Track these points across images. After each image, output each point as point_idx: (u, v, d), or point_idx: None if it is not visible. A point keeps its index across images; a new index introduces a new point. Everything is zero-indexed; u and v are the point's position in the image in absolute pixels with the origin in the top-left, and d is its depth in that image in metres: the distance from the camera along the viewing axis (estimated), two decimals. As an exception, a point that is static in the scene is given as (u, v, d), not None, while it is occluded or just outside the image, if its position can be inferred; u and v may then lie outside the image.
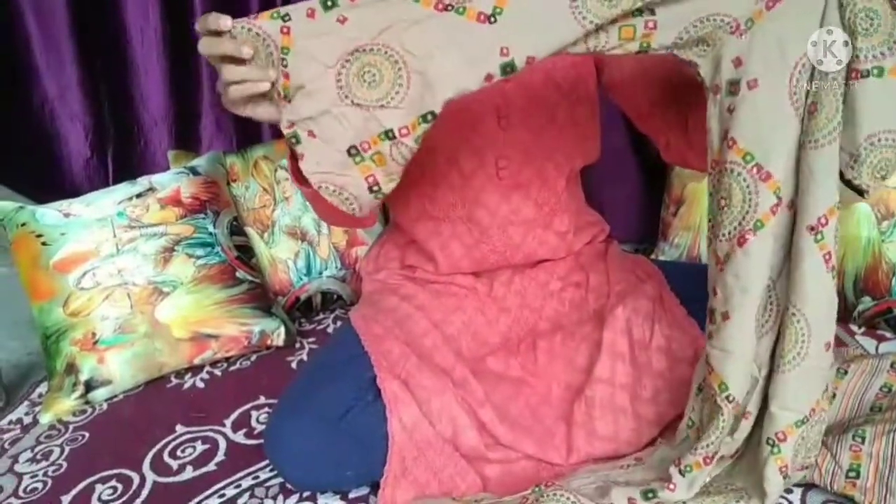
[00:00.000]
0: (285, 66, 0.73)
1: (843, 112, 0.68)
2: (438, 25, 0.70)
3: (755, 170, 0.71)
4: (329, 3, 0.71)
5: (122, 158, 1.60)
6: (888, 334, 1.19)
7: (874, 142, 0.67)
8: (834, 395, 0.98)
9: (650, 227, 1.54)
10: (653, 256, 1.45)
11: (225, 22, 0.71)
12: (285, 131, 0.76)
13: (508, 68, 0.70)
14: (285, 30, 0.72)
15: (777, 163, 0.71)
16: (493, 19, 0.69)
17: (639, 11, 0.69)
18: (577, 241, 1.09)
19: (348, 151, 0.76)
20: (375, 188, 0.78)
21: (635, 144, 1.55)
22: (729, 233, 0.74)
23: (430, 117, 0.73)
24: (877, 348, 1.15)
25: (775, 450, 0.76)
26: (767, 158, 0.71)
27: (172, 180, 1.35)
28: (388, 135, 0.74)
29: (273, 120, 0.77)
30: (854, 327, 1.21)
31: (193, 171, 1.38)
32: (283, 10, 0.72)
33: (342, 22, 0.71)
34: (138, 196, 1.30)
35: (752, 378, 0.77)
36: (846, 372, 1.02)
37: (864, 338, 1.18)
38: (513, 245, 1.04)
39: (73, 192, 1.43)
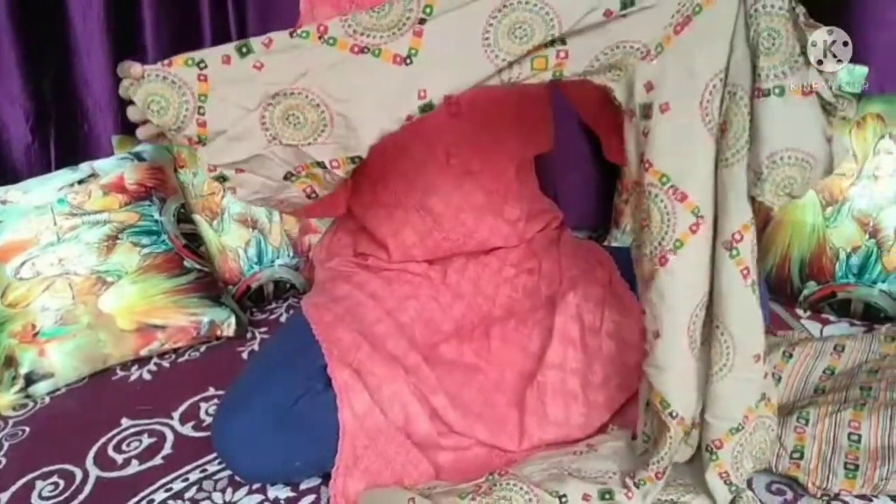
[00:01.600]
0: (202, 114, 0.72)
1: (750, 131, 0.69)
2: (355, 68, 0.70)
3: (671, 191, 0.72)
4: (244, 50, 0.70)
5: (65, 144, 1.53)
6: (832, 318, 1.21)
7: (776, 160, 0.67)
8: (780, 379, 1.00)
9: (604, 214, 1.55)
10: (605, 243, 1.46)
11: (135, 70, 0.71)
12: (208, 174, 0.76)
13: (427, 108, 0.70)
14: (202, 77, 0.71)
15: (692, 183, 0.72)
16: (409, 61, 0.69)
17: (550, 42, 0.69)
18: (529, 228, 1.09)
19: (284, 177, 0.76)
20: (313, 195, 0.79)
21: (589, 133, 1.55)
22: (650, 252, 0.75)
23: (357, 160, 0.74)
24: (821, 332, 1.18)
25: (714, 456, 0.78)
26: (682, 179, 0.72)
27: (116, 166, 1.30)
28: (321, 165, 0.75)
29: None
30: (800, 311, 1.24)
31: (138, 157, 1.33)
32: (197, 56, 0.71)
33: (259, 68, 0.71)
34: (80, 182, 1.26)
35: (697, 393, 0.78)
36: (791, 355, 1.04)
37: (810, 321, 1.21)
38: (466, 233, 1.04)
39: (15, 179, 1.36)
